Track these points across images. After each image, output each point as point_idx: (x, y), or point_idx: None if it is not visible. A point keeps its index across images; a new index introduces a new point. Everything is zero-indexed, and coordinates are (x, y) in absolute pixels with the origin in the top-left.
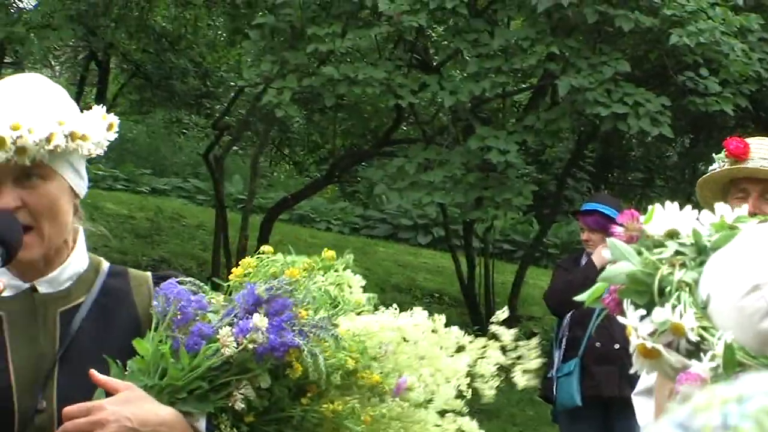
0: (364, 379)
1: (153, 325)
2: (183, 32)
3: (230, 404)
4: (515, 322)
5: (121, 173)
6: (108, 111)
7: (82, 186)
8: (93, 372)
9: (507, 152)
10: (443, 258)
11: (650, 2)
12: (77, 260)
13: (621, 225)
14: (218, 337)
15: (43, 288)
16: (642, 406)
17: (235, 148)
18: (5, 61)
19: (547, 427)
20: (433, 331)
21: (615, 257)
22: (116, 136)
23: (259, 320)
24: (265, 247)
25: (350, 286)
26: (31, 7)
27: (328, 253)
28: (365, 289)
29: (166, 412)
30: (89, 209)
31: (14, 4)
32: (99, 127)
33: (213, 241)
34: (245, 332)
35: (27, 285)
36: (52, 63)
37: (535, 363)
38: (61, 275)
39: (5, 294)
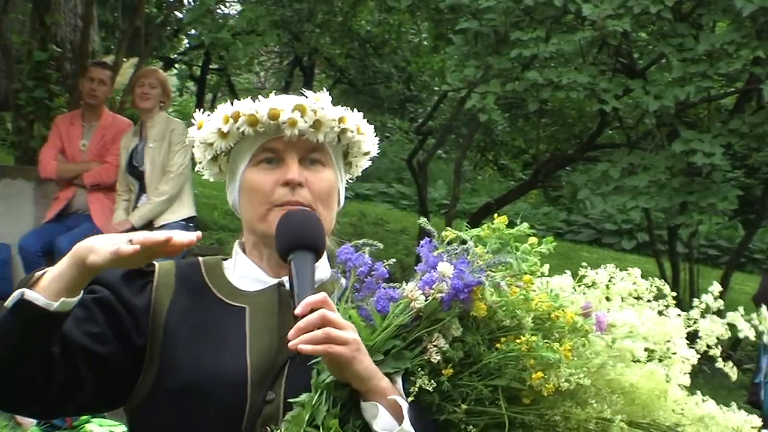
0: (559, 319)
1: (337, 294)
2: (387, 37)
3: (426, 358)
4: None
5: None
6: None
7: (342, 191)
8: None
9: (712, 155)
10: (648, 263)
11: None
12: (323, 267)
13: None
14: (405, 293)
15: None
16: None
17: (439, 152)
18: (211, 66)
19: None
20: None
21: None
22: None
23: (445, 268)
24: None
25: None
26: (236, 13)
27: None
28: None
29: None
30: None
31: (219, 11)
32: (371, 130)
33: (416, 246)
34: (431, 283)
35: (275, 281)
36: (257, 69)
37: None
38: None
39: (252, 288)
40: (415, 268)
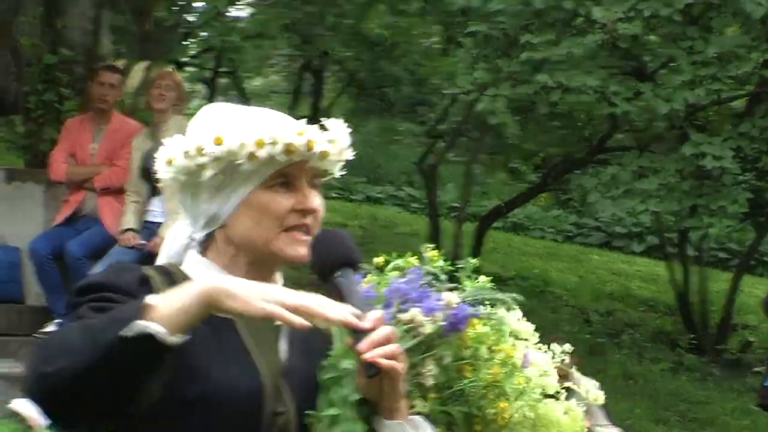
0: (504, 351)
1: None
2: (397, 40)
3: (421, 381)
4: (731, 330)
5: (335, 181)
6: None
7: None
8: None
9: (722, 158)
10: (657, 266)
11: None
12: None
13: None
14: (408, 317)
15: None
16: None
17: (449, 155)
18: (220, 69)
19: None
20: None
21: None
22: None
23: (451, 297)
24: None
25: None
26: (246, 16)
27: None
28: (579, 297)
29: None
30: None
31: (229, 14)
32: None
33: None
34: (433, 311)
35: None
36: (268, 72)
37: None
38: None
39: None
40: (384, 291)
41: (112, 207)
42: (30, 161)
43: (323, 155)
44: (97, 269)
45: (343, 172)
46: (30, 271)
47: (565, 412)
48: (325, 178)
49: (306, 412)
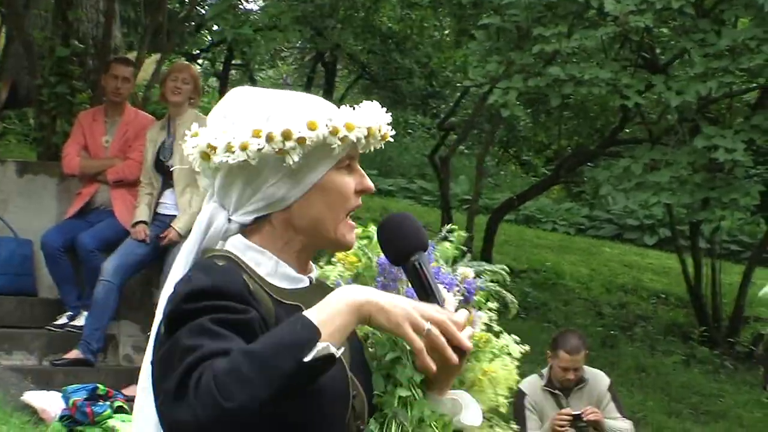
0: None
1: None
2: (409, 33)
3: None
4: (743, 323)
5: None
6: None
7: None
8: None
9: (734, 151)
10: (669, 259)
11: None
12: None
13: None
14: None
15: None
16: None
17: (461, 148)
18: (233, 62)
19: None
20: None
21: None
22: None
23: (466, 271)
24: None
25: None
26: (258, 8)
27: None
28: (591, 290)
29: None
30: None
31: (241, 6)
32: None
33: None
34: (452, 285)
35: (303, 276)
36: (279, 64)
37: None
38: (315, 273)
39: (288, 286)
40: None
41: (124, 199)
42: (42, 154)
43: (384, 137)
44: (109, 262)
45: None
46: (42, 263)
47: (504, 367)
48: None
49: (374, 393)
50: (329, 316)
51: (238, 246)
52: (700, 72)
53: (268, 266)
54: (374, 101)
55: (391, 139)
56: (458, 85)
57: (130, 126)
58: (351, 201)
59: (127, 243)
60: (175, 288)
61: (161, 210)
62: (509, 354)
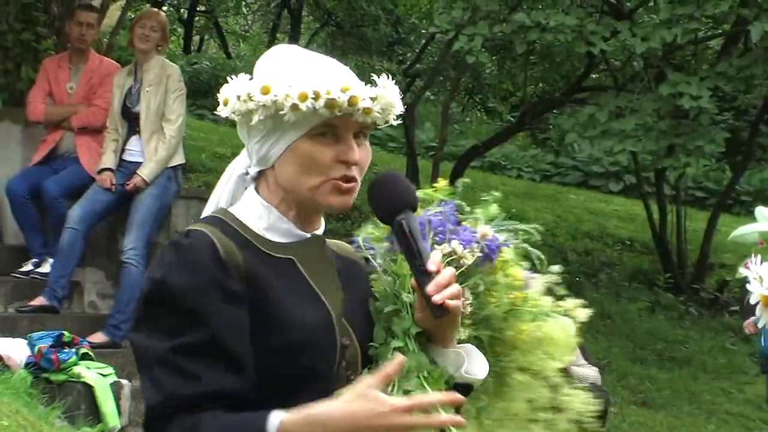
0: (513, 275)
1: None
2: None
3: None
4: (708, 270)
5: None
6: None
7: None
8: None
9: (699, 98)
10: (635, 205)
11: None
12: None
13: None
14: (448, 250)
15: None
16: None
17: (426, 95)
18: (198, 9)
19: (738, 374)
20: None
21: (760, 220)
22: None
23: (486, 229)
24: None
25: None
26: None
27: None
28: (557, 237)
29: None
30: None
31: None
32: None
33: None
34: (470, 242)
35: (303, 233)
36: (245, 11)
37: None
38: (322, 230)
39: (284, 240)
40: (438, 227)
41: (89, 146)
42: (7, 101)
43: (366, 111)
44: (75, 209)
45: (397, 123)
46: (7, 210)
47: (561, 329)
48: (374, 129)
49: (369, 344)
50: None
51: (248, 199)
52: (665, 18)
53: (268, 219)
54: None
55: (395, 121)
56: (423, 31)
57: (95, 73)
58: (329, 169)
59: (92, 190)
60: (148, 273)
61: (127, 157)
62: (567, 316)
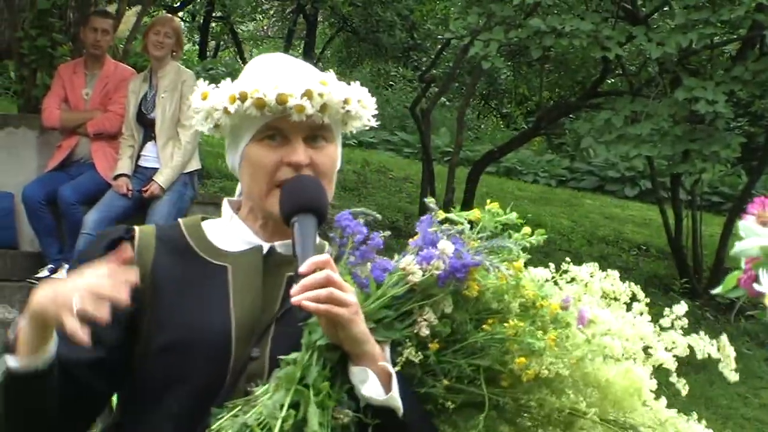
0: (543, 307)
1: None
2: None
3: (415, 331)
4: (723, 274)
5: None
6: (315, 64)
7: (340, 158)
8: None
9: (715, 103)
10: (650, 210)
11: None
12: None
13: (752, 214)
14: (402, 266)
15: (281, 250)
16: None
17: (442, 100)
18: (214, 15)
19: (754, 380)
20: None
21: (747, 236)
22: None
23: (446, 246)
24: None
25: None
26: None
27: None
28: (572, 242)
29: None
30: None
31: None
32: (373, 102)
33: (420, 193)
34: (429, 259)
35: (264, 243)
36: (260, 17)
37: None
38: (279, 244)
39: (236, 249)
40: (410, 242)
41: (105, 152)
42: (23, 107)
43: (298, 109)
44: (90, 215)
45: (365, 127)
46: (23, 216)
47: (623, 375)
48: (350, 132)
49: (279, 357)
50: (21, 328)
51: (225, 208)
52: (680, 23)
53: (228, 227)
54: (334, 63)
55: (321, 120)
56: (439, 37)
57: (110, 78)
58: (275, 173)
59: (108, 196)
60: None
61: (142, 163)
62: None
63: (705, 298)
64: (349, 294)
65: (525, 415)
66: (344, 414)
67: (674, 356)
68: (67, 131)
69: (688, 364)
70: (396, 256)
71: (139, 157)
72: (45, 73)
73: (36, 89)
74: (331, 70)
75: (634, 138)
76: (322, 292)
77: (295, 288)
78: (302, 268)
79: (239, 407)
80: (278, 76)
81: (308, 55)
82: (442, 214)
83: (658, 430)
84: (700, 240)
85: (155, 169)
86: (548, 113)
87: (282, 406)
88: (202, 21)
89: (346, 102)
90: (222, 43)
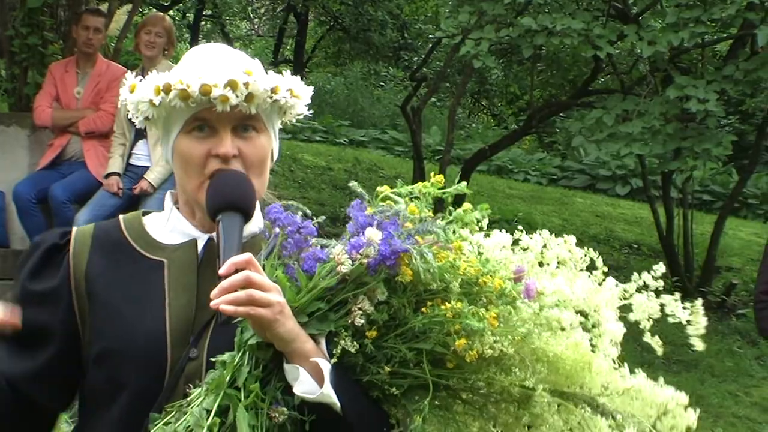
0: (487, 284)
1: (265, 253)
2: None
3: (350, 321)
4: (714, 273)
5: (319, 125)
6: (306, 63)
7: (276, 150)
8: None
9: (706, 101)
10: (641, 209)
11: None
12: (255, 221)
13: None
14: (332, 256)
15: None
16: None
17: (432, 99)
18: (205, 13)
19: (745, 378)
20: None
21: None
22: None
23: (373, 234)
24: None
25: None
26: None
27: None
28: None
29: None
30: (288, 161)
31: None
32: (307, 91)
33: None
34: (358, 248)
35: (202, 235)
36: (251, 15)
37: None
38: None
39: (171, 242)
40: (347, 227)
41: (96, 151)
42: (14, 105)
43: (222, 100)
44: (82, 214)
45: (295, 118)
46: (14, 214)
47: (573, 348)
48: (285, 121)
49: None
50: None
51: (167, 201)
52: (671, 22)
53: (167, 220)
54: (323, 62)
55: (248, 110)
56: (430, 36)
57: (102, 77)
58: (205, 166)
59: (99, 194)
60: None
61: (134, 161)
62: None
63: (696, 296)
64: (272, 293)
65: (478, 393)
66: (280, 413)
67: (649, 318)
68: (59, 130)
69: (680, 363)
70: (332, 243)
71: (130, 155)
72: (36, 72)
73: (27, 87)
74: (257, 58)
75: (626, 136)
76: (241, 294)
77: (214, 291)
78: (221, 270)
79: (173, 414)
80: (204, 66)
81: (299, 54)
82: (387, 189)
83: (622, 399)
84: (692, 238)
85: (146, 168)
86: (539, 112)
87: (209, 412)
88: (192, 19)
89: (273, 91)
90: (212, 41)
